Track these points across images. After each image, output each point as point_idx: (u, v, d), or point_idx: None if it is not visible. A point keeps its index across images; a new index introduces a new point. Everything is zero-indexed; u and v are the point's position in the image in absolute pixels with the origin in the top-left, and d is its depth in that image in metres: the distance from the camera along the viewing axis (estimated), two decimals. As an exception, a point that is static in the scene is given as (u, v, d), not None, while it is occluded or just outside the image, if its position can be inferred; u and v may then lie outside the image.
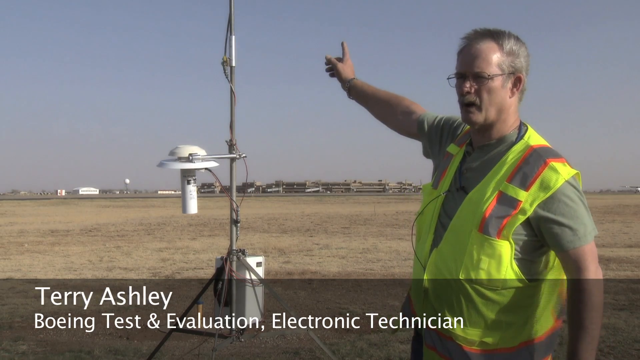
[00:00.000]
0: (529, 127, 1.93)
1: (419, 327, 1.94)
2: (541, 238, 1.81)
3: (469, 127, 2.02)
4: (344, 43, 2.54)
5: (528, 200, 1.77)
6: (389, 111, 2.35)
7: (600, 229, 22.63)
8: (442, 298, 1.85)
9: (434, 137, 2.16)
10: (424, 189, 2.04)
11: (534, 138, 1.89)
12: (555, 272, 1.88)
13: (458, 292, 1.81)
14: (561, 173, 1.77)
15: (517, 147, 1.86)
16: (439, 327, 1.86)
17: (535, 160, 1.80)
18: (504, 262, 1.78)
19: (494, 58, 1.85)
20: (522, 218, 1.77)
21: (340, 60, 2.55)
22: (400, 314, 2.08)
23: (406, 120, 2.27)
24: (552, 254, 1.87)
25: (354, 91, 2.47)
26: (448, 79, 1.93)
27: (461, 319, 1.82)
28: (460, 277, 1.80)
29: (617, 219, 30.49)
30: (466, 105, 1.87)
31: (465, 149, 1.98)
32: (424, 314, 1.90)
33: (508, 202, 1.78)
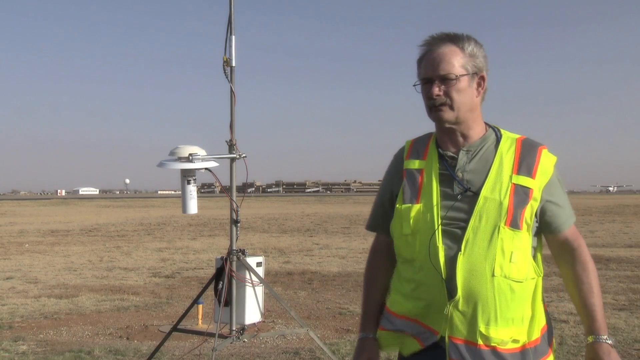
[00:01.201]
0: (495, 125, 2.03)
1: (443, 343, 1.84)
2: (541, 222, 1.92)
3: (411, 142, 2.05)
4: None
5: (536, 186, 1.88)
6: (389, 278, 2.13)
7: (600, 229, 22.74)
8: (475, 303, 1.81)
9: (390, 195, 2.06)
10: (402, 210, 1.94)
11: (510, 133, 1.99)
12: (540, 258, 1.97)
13: (492, 292, 1.80)
14: (550, 159, 1.94)
15: (505, 142, 1.94)
16: (470, 336, 1.82)
17: (530, 149, 1.92)
18: (527, 253, 1.86)
19: (457, 60, 1.90)
20: (535, 205, 1.87)
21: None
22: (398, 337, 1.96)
23: (391, 247, 2.07)
24: (539, 241, 1.97)
25: (377, 326, 2.11)
26: (414, 85, 1.97)
27: (495, 320, 1.81)
28: (496, 275, 1.81)
29: (617, 219, 30.46)
30: (437, 106, 1.90)
31: (443, 155, 1.95)
32: (450, 327, 1.83)
33: (522, 192, 1.86)
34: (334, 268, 11.93)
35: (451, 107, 1.89)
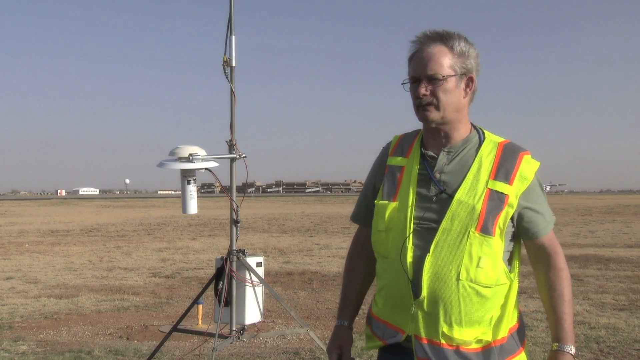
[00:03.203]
0: (479, 126, 2.01)
1: (410, 342, 1.87)
2: (518, 228, 1.92)
3: (398, 137, 2.07)
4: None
5: (512, 193, 1.86)
6: (369, 270, 2.14)
7: (600, 229, 22.74)
8: (439, 304, 1.83)
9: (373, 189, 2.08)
10: (378, 206, 1.97)
11: (494, 136, 1.98)
12: (517, 262, 1.98)
13: (457, 294, 1.81)
14: (532, 165, 1.91)
15: (487, 145, 1.93)
16: (434, 335, 1.84)
17: (511, 154, 1.90)
18: (498, 259, 1.84)
19: (446, 60, 1.89)
20: (511, 211, 1.86)
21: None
22: (371, 334, 2.01)
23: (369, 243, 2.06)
24: (516, 245, 1.97)
25: (354, 315, 2.23)
26: (402, 84, 1.97)
27: (459, 321, 1.82)
28: (461, 279, 1.81)
29: (617, 219, 30.47)
30: (423, 105, 1.91)
31: (427, 156, 1.96)
32: (414, 327, 1.86)
33: (497, 198, 1.85)
34: (334, 268, 11.92)
35: (437, 107, 1.89)
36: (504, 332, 1.88)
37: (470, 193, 1.85)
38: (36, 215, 38.03)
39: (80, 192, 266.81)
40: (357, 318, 2.28)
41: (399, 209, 1.92)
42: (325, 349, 4.63)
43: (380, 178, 2.04)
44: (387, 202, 1.96)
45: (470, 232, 1.82)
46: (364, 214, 2.12)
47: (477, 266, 1.81)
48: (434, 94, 1.89)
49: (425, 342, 1.85)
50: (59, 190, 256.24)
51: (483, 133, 1.97)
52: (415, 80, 1.92)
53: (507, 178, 1.86)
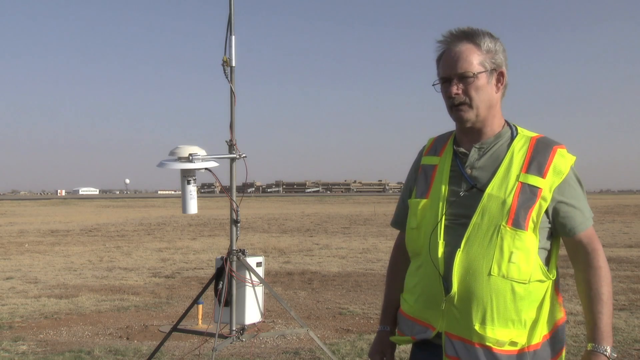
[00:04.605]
0: (515, 124, 1.98)
1: (440, 338, 1.86)
2: (554, 223, 1.87)
3: (433, 139, 2.08)
4: None
5: (546, 186, 1.82)
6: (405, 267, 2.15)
7: (600, 229, 22.71)
8: (471, 300, 1.80)
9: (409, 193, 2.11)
10: (411, 204, 2.01)
11: (527, 131, 1.95)
12: (555, 261, 1.93)
13: (489, 290, 1.79)
14: (567, 159, 1.86)
15: (519, 140, 1.90)
16: (466, 333, 1.81)
17: (544, 148, 1.87)
18: (532, 254, 1.81)
19: (475, 57, 1.89)
20: (544, 205, 1.82)
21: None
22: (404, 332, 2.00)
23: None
24: (554, 243, 1.92)
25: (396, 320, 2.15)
26: (433, 85, 1.96)
27: (491, 319, 1.79)
28: (493, 274, 1.79)
29: (617, 219, 30.47)
30: (456, 105, 1.90)
31: (456, 151, 1.97)
32: (444, 324, 1.84)
33: (530, 192, 1.82)
34: (334, 268, 11.92)
35: (470, 106, 1.89)
36: (538, 338, 1.83)
37: (502, 187, 1.83)
38: (36, 215, 38.02)
39: (80, 192, 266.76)
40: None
41: (430, 206, 1.93)
42: (325, 349, 4.63)
43: (415, 179, 2.07)
44: (419, 199, 1.98)
45: (502, 226, 1.80)
46: (403, 219, 2.10)
47: (510, 261, 1.78)
48: (466, 92, 1.88)
49: (455, 339, 1.82)
50: (59, 190, 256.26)
51: (516, 129, 1.95)
52: (446, 80, 1.91)
53: (540, 171, 1.83)
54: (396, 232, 2.25)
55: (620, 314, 7.22)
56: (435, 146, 2.05)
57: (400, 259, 2.16)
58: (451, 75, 1.89)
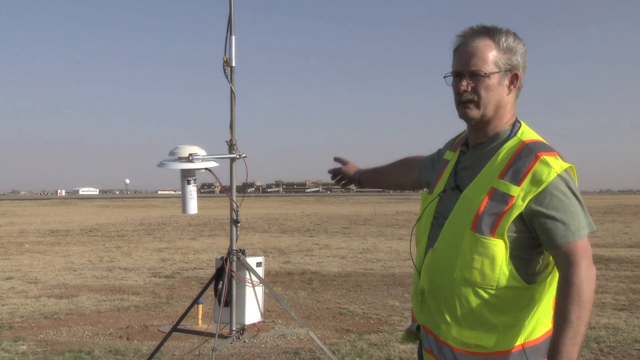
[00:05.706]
0: (522, 123, 1.90)
1: (420, 331, 1.94)
2: (534, 234, 1.77)
3: (464, 132, 2.04)
4: (336, 158, 2.74)
5: (520, 195, 1.73)
6: (401, 181, 2.46)
7: (600, 229, 22.69)
8: (439, 299, 1.82)
9: (428, 169, 2.21)
10: (422, 197, 2.06)
11: (527, 134, 1.86)
12: (556, 272, 1.84)
13: (453, 292, 1.79)
14: (553, 166, 1.73)
15: (510, 143, 1.83)
16: (436, 330, 1.84)
17: (527, 154, 1.77)
18: (497, 261, 1.74)
19: (490, 56, 1.83)
20: (515, 214, 1.73)
21: (343, 163, 2.70)
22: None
23: (415, 177, 2.35)
24: (540, 254, 1.84)
25: (365, 181, 2.59)
26: (445, 77, 1.92)
27: (457, 320, 1.78)
28: (455, 277, 1.78)
29: (617, 219, 30.47)
30: (464, 102, 1.86)
31: (461, 150, 1.98)
32: (422, 318, 1.90)
33: (500, 198, 1.74)
34: (334, 268, 11.92)
35: (477, 105, 1.84)
36: (510, 345, 1.75)
37: (477, 190, 1.79)
38: (36, 215, 38.00)
39: (80, 192, 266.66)
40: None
41: (429, 201, 1.97)
42: (325, 349, 4.63)
43: (434, 166, 2.16)
44: (426, 194, 2.04)
45: (466, 232, 1.77)
46: (420, 160, 2.32)
47: (472, 266, 1.75)
48: (475, 90, 1.83)
49: (429, 334, 1.87)
50: (59, 190, 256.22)
51: (518, 130, 1.87)
52: (458, 74, 1.86)
53: (516, 178, 1.74)
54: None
55: (620, 314, 7.22)
56: (459, 141, 2.05)
57: (404, 162, 2.43)
58: (463, 71, 1.84)
